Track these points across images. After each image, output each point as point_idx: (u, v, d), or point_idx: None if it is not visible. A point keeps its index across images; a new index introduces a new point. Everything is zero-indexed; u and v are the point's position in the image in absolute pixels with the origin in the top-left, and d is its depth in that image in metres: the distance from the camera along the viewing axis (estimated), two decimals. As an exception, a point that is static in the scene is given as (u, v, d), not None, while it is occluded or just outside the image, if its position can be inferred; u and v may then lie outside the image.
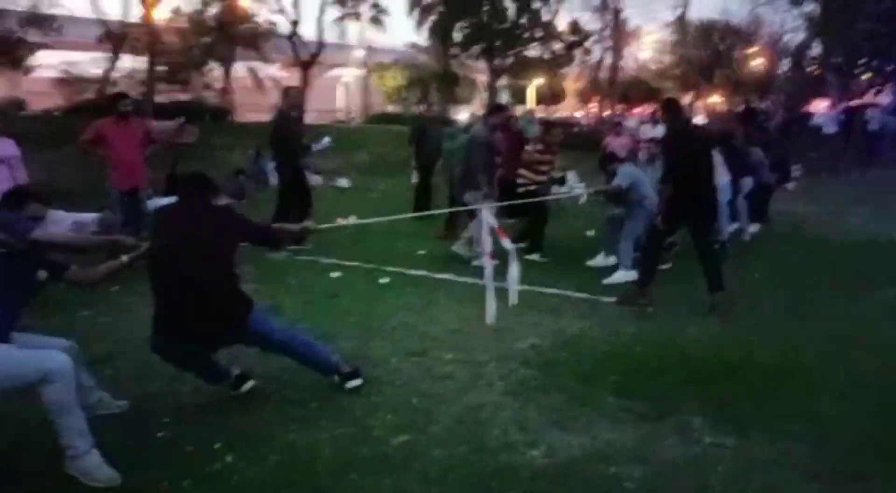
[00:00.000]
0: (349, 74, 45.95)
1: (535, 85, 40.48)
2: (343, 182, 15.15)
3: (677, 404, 4.03)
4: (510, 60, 30.72)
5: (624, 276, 6.84)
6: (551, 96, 42.05)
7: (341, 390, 4.19)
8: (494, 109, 8.48)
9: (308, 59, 26.47)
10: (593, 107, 38.51)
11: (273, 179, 15.20)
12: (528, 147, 8.13)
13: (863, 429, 3.77)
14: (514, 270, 5.29)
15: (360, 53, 40.31)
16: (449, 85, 31.97)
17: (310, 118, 39.13)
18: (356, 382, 4.25)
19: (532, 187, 7.87)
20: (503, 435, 3.71)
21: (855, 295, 6.31)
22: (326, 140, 13.79)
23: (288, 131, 8.33)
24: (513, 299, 5.27)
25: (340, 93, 46.86)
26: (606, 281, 6.78)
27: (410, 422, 3.85)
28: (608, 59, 31.37)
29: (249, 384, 4.24)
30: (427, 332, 5.36)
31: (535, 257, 7.87)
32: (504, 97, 41.49)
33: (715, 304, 5.84)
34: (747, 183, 8.87)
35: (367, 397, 4.17)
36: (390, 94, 37.88)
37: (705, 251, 6.00)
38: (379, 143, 20.68)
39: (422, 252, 8.25)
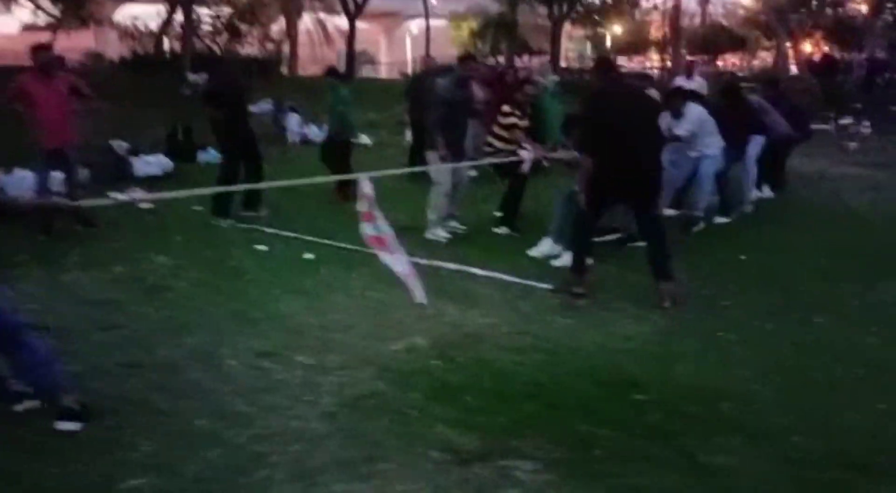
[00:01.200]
0: (418, 26, 44.81)
1: (612, 34, 38.28)
2: (364, 139, 14.39)
3: (514, 444, 3.11)
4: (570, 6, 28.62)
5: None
6: (630, 46, 39.65)
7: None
8: (461, 59, 7.49)
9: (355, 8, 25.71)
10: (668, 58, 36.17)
11: (291, 137, 14.80)
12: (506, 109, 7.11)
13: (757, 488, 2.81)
14: (398, 260, 4.07)
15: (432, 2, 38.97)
16: (509, 33, 30.38)
17: (384, 71, 38.67)
18: (70, 425, 3.19)
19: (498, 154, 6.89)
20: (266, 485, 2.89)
21: (861, 294, 5.13)
22: None
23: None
24: (419, 297, 4.06)
25: (408, 45, 45.88)
26: (556, 263, 5.83)
27: (165, 460, 3.00)
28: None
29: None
30: (300, 324, 4.58)
31: (501, 230, 6.95)
32: (581, 47, 39.49)
33: (663, 296, 4.82)
34: (756, 142, 7.70)
35: (151, 414, 3.36)
36: (465, 45, 36.43)
37: (648, 231, 5.01)
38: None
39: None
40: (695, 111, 6.88)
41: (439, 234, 6.72)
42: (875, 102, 14.37)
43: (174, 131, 11.33)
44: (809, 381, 3.79)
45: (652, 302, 4.82)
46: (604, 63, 5.99)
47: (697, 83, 10.12)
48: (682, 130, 6.75)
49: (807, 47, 33.23)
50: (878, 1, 27.39)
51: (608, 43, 39.21)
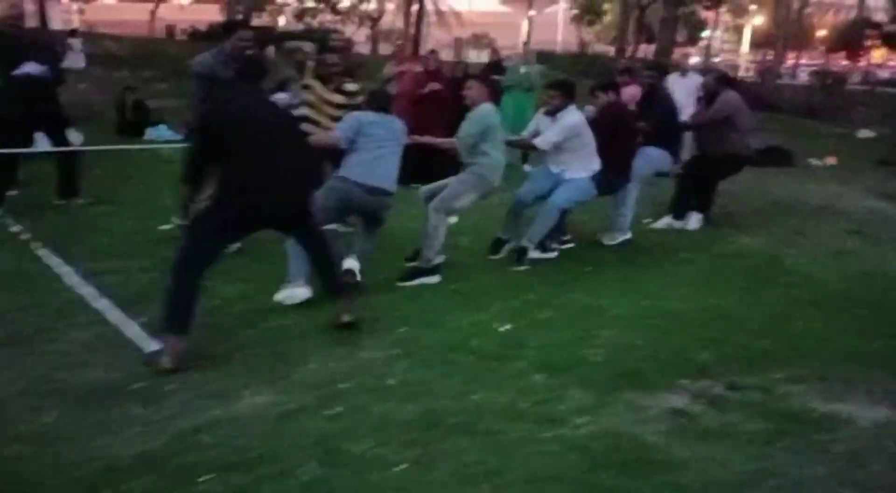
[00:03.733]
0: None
1: (751, 25, 36.67)
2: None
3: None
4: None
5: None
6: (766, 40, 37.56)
7: None
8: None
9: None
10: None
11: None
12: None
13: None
14: None
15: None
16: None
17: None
18: None
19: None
20: None
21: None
22: None
23: None
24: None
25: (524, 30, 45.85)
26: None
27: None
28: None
29: None
30: None
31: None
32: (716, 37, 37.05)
33: (342, 312, 4.18)
34: (651, 158, 6.69)
35: None
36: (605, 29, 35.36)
37: (313, 248, 4.25)
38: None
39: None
40: (571, 118, 5.65)
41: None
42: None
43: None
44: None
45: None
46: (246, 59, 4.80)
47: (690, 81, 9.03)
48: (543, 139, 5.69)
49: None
50: None
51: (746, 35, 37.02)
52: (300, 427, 3.15)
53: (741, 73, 32.95)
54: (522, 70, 9.99)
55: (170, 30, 38.59)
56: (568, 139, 5.62)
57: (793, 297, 5.09)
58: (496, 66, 11.06)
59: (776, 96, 21.50)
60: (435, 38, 35.43)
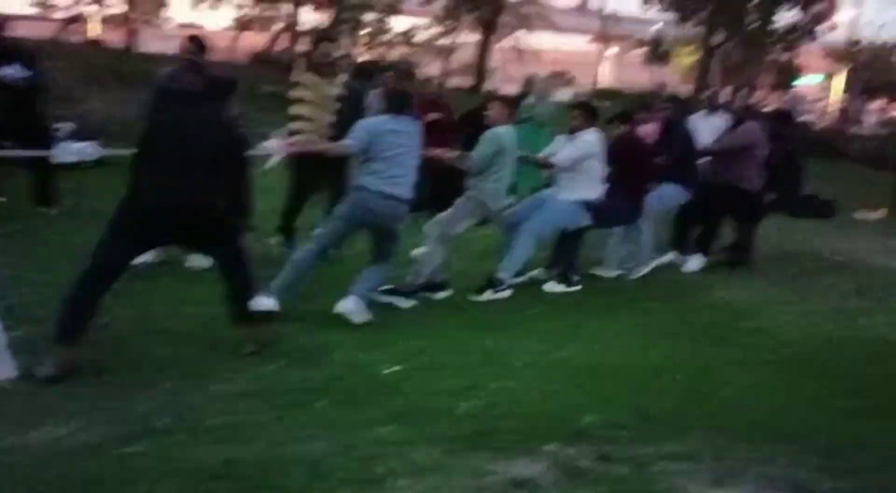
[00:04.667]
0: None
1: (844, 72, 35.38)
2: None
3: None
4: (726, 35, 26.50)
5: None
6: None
7: None
8: None
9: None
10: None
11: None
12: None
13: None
14: None
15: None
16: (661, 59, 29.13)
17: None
18: None
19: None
20: None
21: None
22: None
23: None
24: None
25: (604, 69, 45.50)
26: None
27: None
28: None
29: None
30: None
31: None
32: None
33: (247, 341, 4.03)
34: (664, 196, 6.39)
35: None
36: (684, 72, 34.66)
37: (230, 275, 4.02)
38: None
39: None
40: (590, 137, 5.58)
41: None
42: None
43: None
44: None
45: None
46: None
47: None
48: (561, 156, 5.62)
49: None
50: None
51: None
52: (85, 465, 2.86)
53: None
54: (534, 104, 9.61)
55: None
56: (584, 158, 5.53)
57: (739, 359, 4.49)
58: (523, 97, 10.73)
59: (844, 144, 20.33)
60: (507, 74, 35.24)
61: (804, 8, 25.03)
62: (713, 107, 8.65)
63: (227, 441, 3.09)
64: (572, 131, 5.69)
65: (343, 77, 6.25)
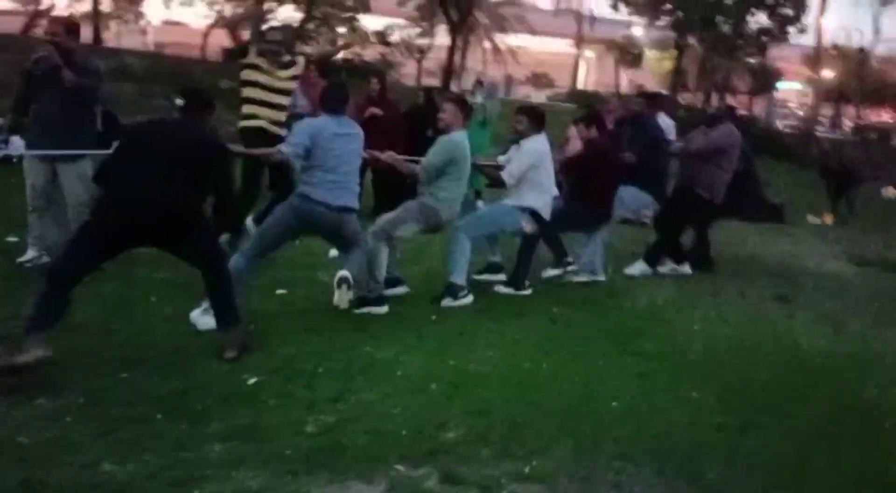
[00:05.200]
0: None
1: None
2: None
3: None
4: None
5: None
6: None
7: None
8: None
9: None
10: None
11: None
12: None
13: None
14: None
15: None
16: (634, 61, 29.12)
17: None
18: None
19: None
20: None
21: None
22: None
23: None
24: None
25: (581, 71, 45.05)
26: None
27: None
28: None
29: None
30: None
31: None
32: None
33: (225, 346, 3.91)
34: (624, 199, 6.19)
35: None
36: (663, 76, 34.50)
37: (207, 279, 3.96)
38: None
39: None
40: (534, 145, 5.38)
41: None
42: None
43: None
44: None
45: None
46: None
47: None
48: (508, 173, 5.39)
49: None
50: None
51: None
52: None
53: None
54: (479, 101, 9.36)
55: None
56: (530, 169, 5.30)
57: (636, 369, 4.23)
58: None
59: (806, 149, 20.26)
60: (479, 75, 34.89)
61: (773, 11, 25.03)
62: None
63: (35, 461, 2.81)
64: (516, 139, 5.53)
65: (298, 69, 6.30)
